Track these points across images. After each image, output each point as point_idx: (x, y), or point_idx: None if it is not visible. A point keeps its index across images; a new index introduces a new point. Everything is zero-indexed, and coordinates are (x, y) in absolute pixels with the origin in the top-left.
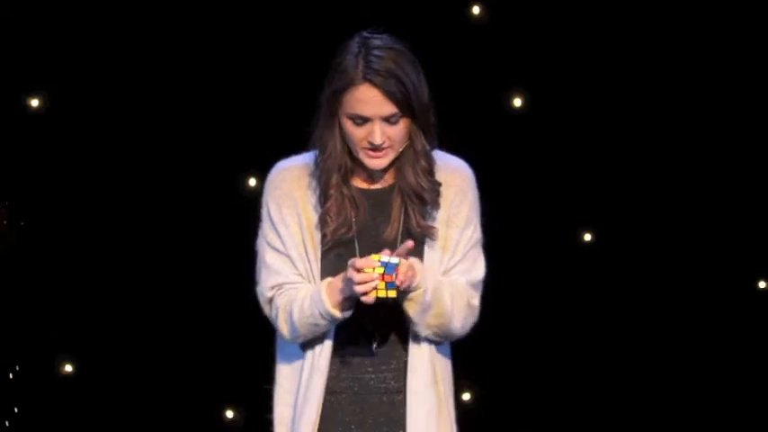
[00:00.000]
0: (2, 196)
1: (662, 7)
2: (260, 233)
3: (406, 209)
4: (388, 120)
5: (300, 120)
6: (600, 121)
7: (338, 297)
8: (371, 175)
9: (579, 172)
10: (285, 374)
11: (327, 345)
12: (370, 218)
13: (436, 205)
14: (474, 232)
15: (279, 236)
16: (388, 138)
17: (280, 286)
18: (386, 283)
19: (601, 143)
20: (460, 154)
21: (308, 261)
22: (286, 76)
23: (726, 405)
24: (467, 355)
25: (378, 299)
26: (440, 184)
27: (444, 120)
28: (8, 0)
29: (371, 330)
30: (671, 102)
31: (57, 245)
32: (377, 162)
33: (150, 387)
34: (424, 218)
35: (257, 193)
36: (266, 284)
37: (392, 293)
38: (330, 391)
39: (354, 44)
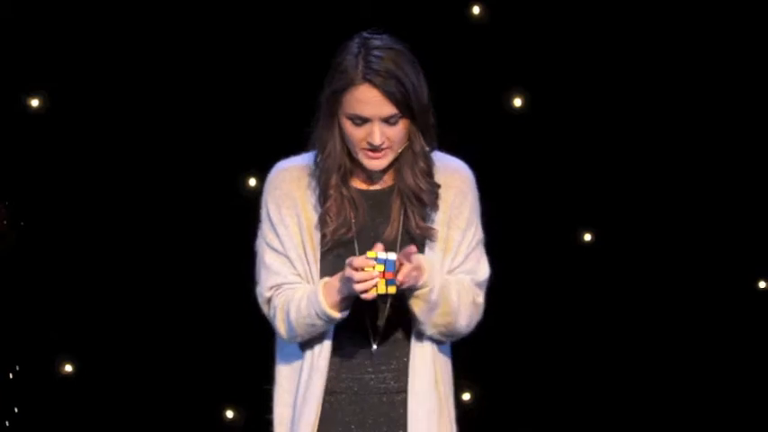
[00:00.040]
0: (2, 196)
1: (662, 7)
2: (259, 233)
3: (405, 210)
4: (388, 120)
5: (300, 120)
6: (600, 121)
7: (335, 297)
8: (371, 176)
9: (579, 172)
10: (285, 375)
11: (326, 345)
12: (369, 218)
13: (435, 207)
14: (476, 233)
15: (278, 236)
16: (388, 138)
17: (278, 286)
18: (386, 279)
19: (601, 143)
20: (460, 154)
21: (307, 262)
22: (286, 77)
23: (726, 405)
24: (467, 355)
25: (378, 296)
26: (439, 186)
27: (444, 120)
28: (8, 0)
29: (371, 331)
30: (671, 102)
31: (57, 245)
32: (376, 163)
33: (150, 387)
34: (423, 219)
35: (257, 193)
36: (265, 285)
37: (392, 290)
38: (330, 391)
39: (354, 44)
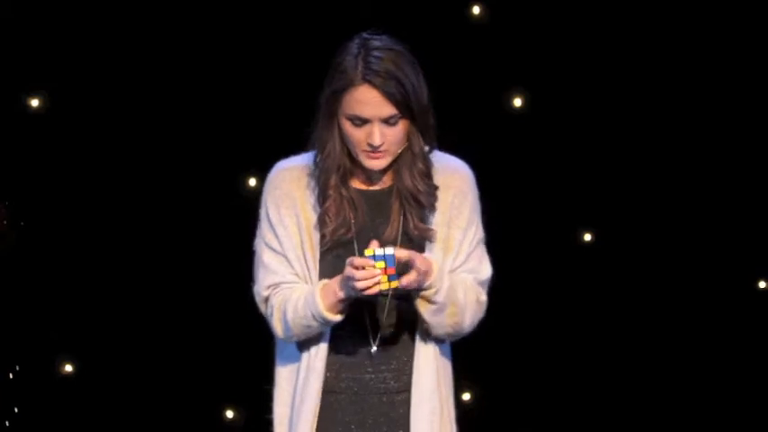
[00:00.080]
0: (2, 196)
1: (662, 7)
2: (258, 233)
3: (403, 211)
4: (388, 121)
5: (300, 120)
6: (600, 121)
7: (333, 299)
8: (370, 177)
9: (579, 172)
10: (284, 376)
11: (323, 345)
12: (368, 219)
13: (433, 208)
14: (476, 232)
15: (276, 236)
16: (387, 139)
17: (276, 285)
18: (387, 275)
19: (601, 143)
20: (460, 154)
21: (306, 262)
22: (286, 77)
23: (726, 405)
24: (467, 355)
25: (380, 292)
26: (437, 188)
27: (444, 120)
28: (8, 0)
29: (371, 331)
30: (671, 102)
31: (57, 245)
32: (375, 163)
33: (150, 387)
34: (421, 220)
35: (257, 193)
36: (263, 284)
37: (395, 284)
38: (330, 391)
39: (354, 45)
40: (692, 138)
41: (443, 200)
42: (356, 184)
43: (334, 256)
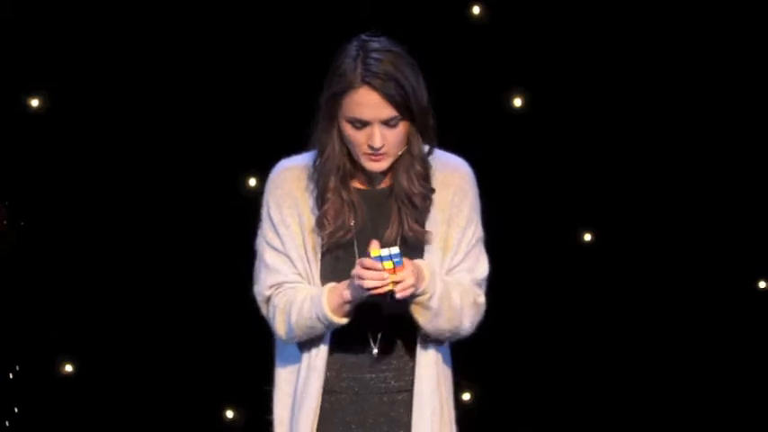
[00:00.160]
0: (2, 196)
1: (662, 7)
2: (259, 232)
3: (400, 212)
4: (388, 123)
5: (300, 120)
6: (600, 121)
7: (338, 301)
8: (371, 177)
9: (579, 172)
10: (284, 377)
11: (324, 345)
12: (368, 219)
13: (428, 210)
14: (475, 230)
15: (278, 236)
16: (388, 141)
17: (279, 285)
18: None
19: (601, 143)
20: (460, 154)
21: (308, 261)
22: (286, 77)
23: (726, 405)
24: (467, 355)
25: (388, 292)
26: (433, 191)
27: (444, 120)
28: (8, 0)
29: (371, 330)
30: (671, 102)
31: (57, 245)
32: (376, 165)
33: (150, 387)
34: (416, 222)
35: (257, 193)
36: (265, 284)
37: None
38: (330, 390)
39: (353, 47)
40: (691, 138)
41: (443, 198)
42: (356, 184)
43: (333, 258)
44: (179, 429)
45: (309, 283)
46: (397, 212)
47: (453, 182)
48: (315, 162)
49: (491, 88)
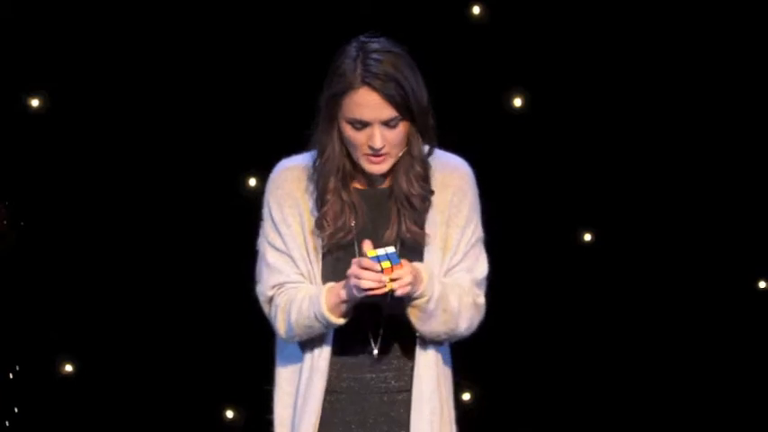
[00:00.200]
0: (2, 196)
1: (662, 7)
2: (261, 232)
3: (398, 213)
4: (388, 123)
5: (300, 120)
6: (600, 121)
7: (335, 300)
8: (371, 177)
9: (579, 172)
10: (285, 376)
11: (327, 346)
12: (369, 220)
13: (426, 211)
14: (475, 230)
15: (280, 235)
16: (388, 141)
17: (281, 285)
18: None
19: (601, 143)
20: (460, 154)
21: (310, 261)
22: (286, 77)
23: (726, 405)
24: (467, 355)
25: (385, 293)
26: (432, 192)
27: (444, 120)
28: (8, 0)
29: (371, 331)
30: (671, 102)
31: (57, 245)
32: (377, 167)
33: (150, 387)
34: (414, 223)
35: (257, 193)
36: (267, 284)
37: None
38: (331, 390)
39: (352, 48)
40: (691, 138)
41: (442, 199)
42: (357, 184)
43: (334, 259)
44: (179, 429)
45: (312, 284)
46: (396, 213)
47: (453, 182)
48: (315, 163)
49: (491, 88)
